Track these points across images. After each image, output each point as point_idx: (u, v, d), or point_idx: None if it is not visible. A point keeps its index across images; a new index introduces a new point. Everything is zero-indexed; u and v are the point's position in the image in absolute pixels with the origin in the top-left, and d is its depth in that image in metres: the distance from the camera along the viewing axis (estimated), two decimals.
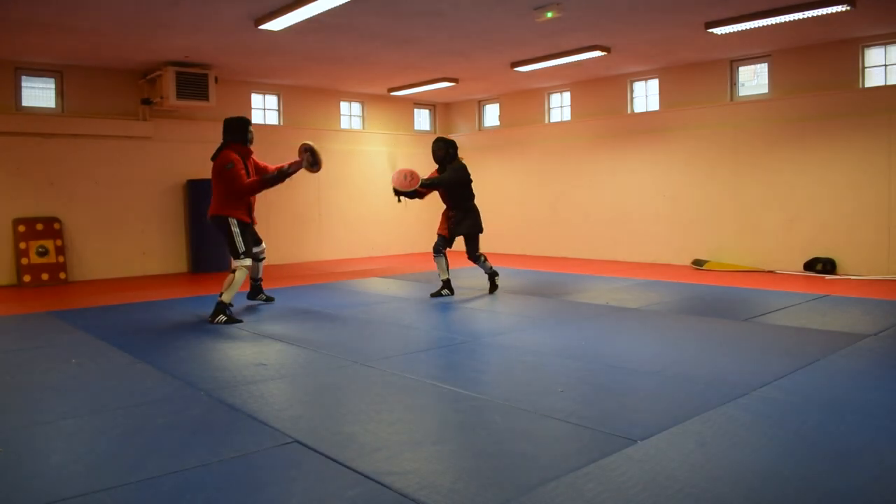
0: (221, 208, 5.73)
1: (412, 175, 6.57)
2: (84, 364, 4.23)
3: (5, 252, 8.46)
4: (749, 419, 3.00)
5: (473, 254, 6.89)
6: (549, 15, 6.58)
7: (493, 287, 7.05)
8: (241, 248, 5.71)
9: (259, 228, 10.36)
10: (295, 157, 6.05)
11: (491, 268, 7.04)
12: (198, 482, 2.42)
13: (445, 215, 6.95)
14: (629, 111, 10.36)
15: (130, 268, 9.40)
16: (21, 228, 8.40)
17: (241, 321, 5.52)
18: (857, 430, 2.83)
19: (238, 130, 5.83)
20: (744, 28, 7.20)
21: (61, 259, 8.62)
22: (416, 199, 6.94)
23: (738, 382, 3.55)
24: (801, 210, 8.52)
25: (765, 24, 7.05)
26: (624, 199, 10.33)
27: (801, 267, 8.47)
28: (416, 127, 12.79)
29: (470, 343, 4.68)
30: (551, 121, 11.52)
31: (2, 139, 8.39)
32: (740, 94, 9.22)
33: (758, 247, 8.90)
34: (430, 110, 13.03)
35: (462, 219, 6.81)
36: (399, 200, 6.82)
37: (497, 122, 12.39)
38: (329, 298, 6.85)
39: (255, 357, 4.37)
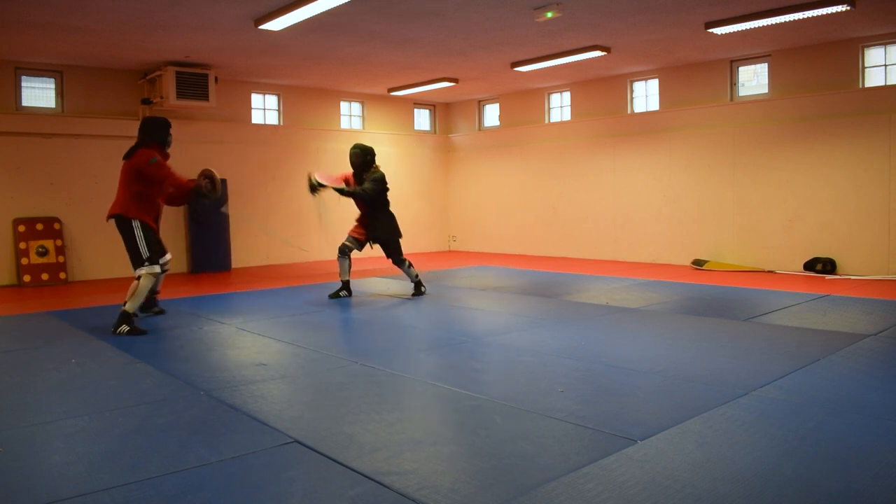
0: (126, 208, 5.23)
1: (331, 179, 6.65)
2: (84, 364, 4.22)
3: (5, 252, 8.46)
4: (749, 419, 3.00)
5: (397, 259, 6.80)
6: (549, 15, 6.58)
7: (418, 294, 6.91)
8: (146, 253, 5.26)
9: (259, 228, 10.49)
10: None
11: (416, 275, 6.94)
12: (198, 482, 2.42)
13: (360, 220, 6.89)
14: (629, 111, 10.36)
15: (130, 268, 9.36)
16: (21, 228, 8.40)
17: (145, 332, 5.13)
18: (857, 430, 2.83)
19: (159, 131, 5.41)
20: (744, 28, 7.20)
21: (61, 259, 8.62)
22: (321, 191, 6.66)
23: (738, 382, 3.55)
24: (801, 210, 8.52)
25: (765, 24, 7.05)
26: (624, 199, 10.33)
27: (801, 267, 8.47)
28: (416, 127, 12.79)
29: (470, 343, 4.68)
30: (551, 121, 11.52)
31: (2, 139, 8.39)
32: (740, 94, 9.22)
33: (758, 247, 8.90)
34: (430, 110, 13.03)
35: (378, 224, 6.75)
36: (314, 192, 6.57)
37: (497, 122, 12.39)
38: (328, 299, 6.84)
39: (255, 357, 4.37)
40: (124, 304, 5.23)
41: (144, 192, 5.29)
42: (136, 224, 5.25)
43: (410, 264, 6.91)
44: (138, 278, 5.26)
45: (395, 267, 6.97)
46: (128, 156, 5.36)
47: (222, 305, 6.53)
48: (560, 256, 11.08)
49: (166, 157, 5.44)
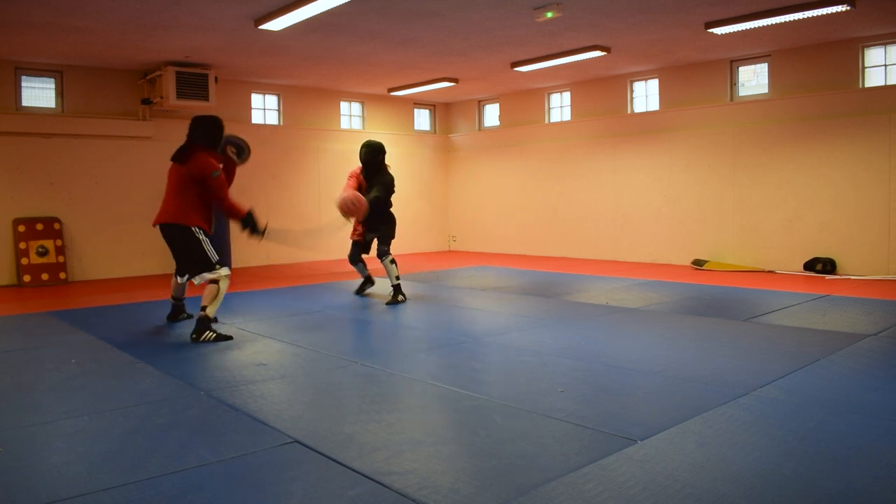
0: (185, 216, 4.96)
1: (358, 201, 6.12)
2: (84, 364, 4.23)
3: (5, 252, 8.46)
4: (749, 419, 3.00)
5: (382, 250, 6.56)
6: (550, 15, 6.58)
7: (394, 302, 6.44)
8: (214, 256, 5.01)
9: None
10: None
11: (398, 277, 6.52)
12: (198, 482, 2.42)
13: (360, 221, 6.71)
14: (629, 111, 10.36)
15: (130, 268, 9.40)
16: (21, 228, 8.40)
17: (230, 338, 4.92)
18: (857, 430, 2.83)
19: (216, 135, 5.09)
20: (744, 28, 7.19)
21: (61, 259, 8.62)
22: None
23: (738, 382, 3.55)
24: (801, 210, 8.52)
25: (765, 24, 7.05)
26: (624, 199, 10.33)
27: (801, 267, 8.47)
28: (416, 127, 12.79)
29: (470, 343, 4.68)
30: (551, 121, 11.52)
31: (2, 139, 8.39)
32: (740, 94, 9.22)
33: (758, 247, 8.91)
34: (430, 110, 13.03)
35: (378, 225, 6.62)
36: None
37: (497, 122, 12.39)
38: (329, 299, 6.85)
39: (255, 357, 4.37)
40: (203, 310, 4.91)
41: (202, 197, 5.01)
42: (198, 231, 4.98)
43: (393, 260, 6.54)
44: (213, 282, 4.97)
45: (392, 264, 6.62)
46: (179, 158, 5.02)
47: (222, 305, 6.50)
48: (560, 256, 11.08)
49: (219, 160, 5.11)
